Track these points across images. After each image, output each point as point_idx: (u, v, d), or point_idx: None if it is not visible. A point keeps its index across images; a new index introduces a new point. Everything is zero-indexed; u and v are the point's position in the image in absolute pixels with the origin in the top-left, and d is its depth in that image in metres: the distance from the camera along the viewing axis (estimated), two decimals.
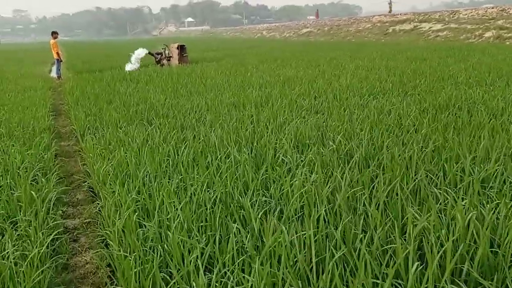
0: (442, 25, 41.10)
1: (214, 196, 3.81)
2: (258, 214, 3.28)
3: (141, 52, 17.50)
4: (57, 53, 17.18)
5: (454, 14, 42.40)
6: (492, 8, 39.35)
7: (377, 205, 3.27)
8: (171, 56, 18.69)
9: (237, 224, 3.14)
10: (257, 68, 14.55)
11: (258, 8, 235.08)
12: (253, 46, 34.91)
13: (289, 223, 3.24)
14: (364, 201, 3.36)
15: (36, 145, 6.21)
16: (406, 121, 5.84)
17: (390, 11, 51.02)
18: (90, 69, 18.19)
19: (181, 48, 19.04)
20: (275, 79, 11.14)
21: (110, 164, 4.92)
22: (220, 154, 4.82)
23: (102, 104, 8.83)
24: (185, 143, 5.40)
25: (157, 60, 18.67)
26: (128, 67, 17.16)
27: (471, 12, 40.89)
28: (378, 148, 4.78)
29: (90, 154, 5.67)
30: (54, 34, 17.40)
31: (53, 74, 17.98)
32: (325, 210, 3.22)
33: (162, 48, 18.91)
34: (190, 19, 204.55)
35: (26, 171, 5.14)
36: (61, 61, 17.59)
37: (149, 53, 18.27)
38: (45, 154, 5.90)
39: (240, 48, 30.08)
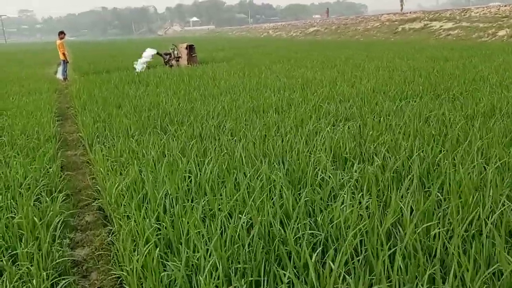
0: (453, 24, 40.32)
1: (249, 226, 3.21)
2: (309, 254, 2.66)
3: (150, 52, 16.90)
4: (63, 54, 16.65)
5: (466, 12, 41.60)
6: (505, 6, 38.52)
7: (457, 246, 2.63)
8: (179, 57, 18.10)
9: (288, 272, 2.51)
10: (270, 68, 13.93)
11: (263, 7, 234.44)
12: (261, 45, 34.29)
13: (347, 265, 2.63)
14: (438, 239, 2.73)
15: (40, 156, 5.62)
16: (453, 130, 5.20)
17: (402, 9, 50.11)
18: (96, 70, 17.63)
19: (190, 48, 18.45)
20: (293, 81, 10.52)
21: (123, 182, 4.32)
22: (249, 171, 4.20)
23: (111, 109, 8.24)
24: (207, 157, 4.78)
25: (165, 60, 18.08)
26: (139, 67, 16.61)
27: (483, 10, 40.08)
28: (430, 165, 4.15)
29: (100, 168, 5.08)
30: (61, 34, 16.85)
31: (59, 75, 17.45)
32: (391, 252, 2.60)
33: (171, 49, 18.31)
34: (195, 18, 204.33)
35: (29, 187, 4.56)
36: (68, 62, 17.03)
37: (158, 53, 17.69)
38: (50, 167, 5.31)
39: (248, 48, 29.44)
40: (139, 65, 16.72)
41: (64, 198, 4.55)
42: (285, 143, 5.15)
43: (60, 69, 17.68)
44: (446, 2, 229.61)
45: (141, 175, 4.43)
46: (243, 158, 4.60)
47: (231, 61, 19.05)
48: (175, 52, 18.10)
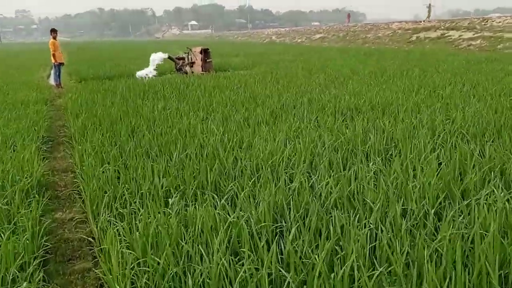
0: (474, 34, 38.10)
1: None
2: None
3: (160, 56, 14.25)
4: (53, 55, 13.99)
5: (486, 21, 39.40)
6: None
7: None
8: (193, 62, 15.54)
9: None
10: (310, 80, 11.39)
11: (263, 12, 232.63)
12: (274, 52, 31.53)
13: None
14: None
15: (13, 243, 3.07)
16: None
17: (428, 16, 47.72)
18: (97, 76, 15.06)
19: (205, 53, 15.89)
20: (356, 100, 7.97)
21: None
22: None
23: (123, 139, 5.68)
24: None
25: (178, 66, 15.51)
26: (143, 72, 13.97)
27: (506, 20, 37.88)
28: None
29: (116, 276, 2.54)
30: (53, 32, 14.24)
31: (52, 81, 14.78)
32: None
33: (185, 53, 15.69)
34: (193, 22, 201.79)
35: None
36: (60, 64, 14.34)
37: (169, 57, 15.07)
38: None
39: (263, 54, 26.76)
40: (148, 71, 14.06)
41: None
42: None
43: (52, 73, 14.95)
44: (443, 13, 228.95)
45: None
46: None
47: (253, 68, 16.52)
48: (190, 56, 15.50)
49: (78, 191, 4.88)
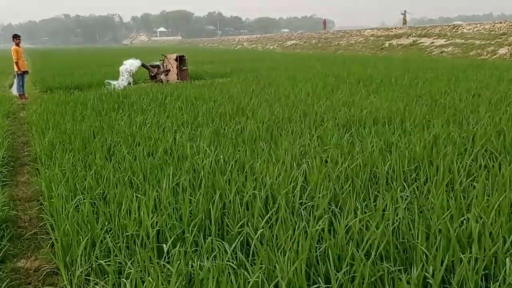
0: (446, 41, 38.45)
1: None
2: None
3: (134, 64, 13.29)
4: (16, 63, 12.82)
5: (457, 29, 39.84)
6: (500, 23, 36.92)
7: None
8: (169, 70, 14.64)
9: None
10: (296, 88, 10.67)
11: (232, 19, 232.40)
12: (250, 58, 30.61)
13: None
14: None
15: None
16: None
17: (404, 23, 47.91)
18: (64, 85, 13.98)
19: (180, 60, 15.03)
20: (355, 111, 7.28)
21: None
22: None
23: (99, 163, 4.81)
24: None
25: (152, 74, 14.57)
26: (117, 82, 12.96)
27: (476, 27, 38.37)
28: None
29: None
30: (16, 38, 13.01)
31: (14, 91, 13.59)
32: None
33: (160, 60, 14.78)
34: (162, 29, 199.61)
35: None
36: (24, 73, 13.16)
37: (143, 65, 14.13)
38: None
39: (239, 61, 25.93)
40: (118, 81, 13.05)
41: None
42: None
43: (15, 82, 13.71)
44: (409, 21, 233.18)
45: None
46: None
47: (231, 76, 15.72)
48: (165, 64, 14.59)
49: (45, 229, 3.99)
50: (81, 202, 3.86)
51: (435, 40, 39.03)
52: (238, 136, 5.81)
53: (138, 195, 3.78)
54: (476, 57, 31.51)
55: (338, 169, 4.27)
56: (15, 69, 12.96)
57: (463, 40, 36.25)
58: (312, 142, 5.47)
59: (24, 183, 5.50)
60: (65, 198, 3.99)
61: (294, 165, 4.46)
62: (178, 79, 14.63)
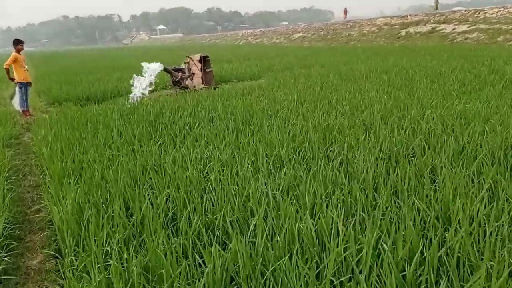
0: (468, 26, 36.23)
1: None
2: None
3: (156, 68, 11.24)
4: (6, 70, 10.77)
5: (478, 13, 37.58)
6: None
7: None
8: (193, 73, 12.63)
9: None
10: (366, 93, 8.65)
11: (231, 14, 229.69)
12: (267, 55, 28.28)
13: None
14: None
15: None
16: None
17: (436, 8, 45.39)
18: (74, 96, 12.03)
19: (204, 61, 13.01)
20: (476, 127, 5.27)
21: None
22: None
23: (161, 250, 2.84)
24: None
25: (176, 79, 12.54)
26: (134, 93, 10.91)
27: (500, 11, 36.15)
28: None
29: None
30: (18, 44, 10.80)
31: (17, 106, 11.51)
32: None
33: (185, 62, 12.69)
34: (162, 26, 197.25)
35: None
36: (28, 84, 11.10)
37: (165, 69, 12.07)
38: None
39: (257, 58, 23.73)
40: (138, 89, 11.01)
41: None
42: None
43: (17, 95, 11.61)
44: (408, 8, 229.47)
45: None
46: None
47: (262, 77, 13.71)
48: (190, 67, 12.53)
49: None
50: None
51: (456, 26, 36.83)
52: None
53: None
54: (505, 42, 29.42)
55: None
56: (16, 78, 10.89)
57: (487, 26, 34.09)
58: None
59: (38, 273, 3.54)
60: None
61: None
62: (202, 83, 12.64)
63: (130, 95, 10.77)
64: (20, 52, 10.92)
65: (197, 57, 12.88)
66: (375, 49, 27.34)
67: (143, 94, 10.54)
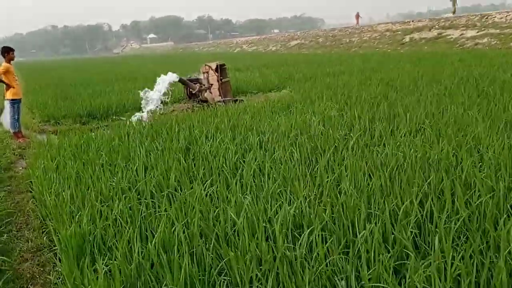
0: (477, 31, 35.01)
1: None
2: None
3: (170, 79, 9.50)
4: (7, 86, 9.10)
5: (486, 18, 36.42)
6: None
7: None
8: (211, 85, 10.97)
9: None
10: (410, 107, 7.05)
11: (222, 22, 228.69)
12: (274, 63, 26.61)
13: None
14: None
15: None
16: None
17: (454, 12, 43.97)
18: (73, 112, 10.33)
19: (220, 70, 11.34)
20: None
21: None
22: None
23: None
24: None
25: (193, 91, 10.86)
26: (145, 112, 9.21)
27: (508, 15, 35.03)
28: None
29: None
30: (8, 52, 9.08)
31: (8, 126, 9.65)
32: None
33: (204, 72, 10.97)
34: (152, 35, 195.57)
35: None
36: (16, 101, 9.38)
37: (181, 80, 10.36)
38: None
39: (265, 65, 22.03)
40: (150, 104, 9.31)
41: None
42: None
43: (7, 114, 9.76)
44: (396, 15, 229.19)
45: None
46: None
47: (283, 88, 12.09)
48: (208, 77, 10.83)
49: None
50: None
51: (464, 32, 35.61)
52: None
53: None
54: None
55: None
56: (7, 96, 9.24)
57: (498, 30, 32.89)
58: None
59: None
60: None
61: None
62: (220, 95, 11.00)
63: (136, 115, 9.14)
64: (11, 62, 9.26)
65: (212, 65, 11.23)
66: (391, 56, 25.81)
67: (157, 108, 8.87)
